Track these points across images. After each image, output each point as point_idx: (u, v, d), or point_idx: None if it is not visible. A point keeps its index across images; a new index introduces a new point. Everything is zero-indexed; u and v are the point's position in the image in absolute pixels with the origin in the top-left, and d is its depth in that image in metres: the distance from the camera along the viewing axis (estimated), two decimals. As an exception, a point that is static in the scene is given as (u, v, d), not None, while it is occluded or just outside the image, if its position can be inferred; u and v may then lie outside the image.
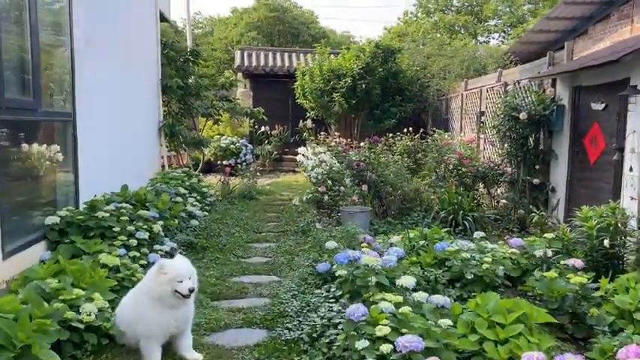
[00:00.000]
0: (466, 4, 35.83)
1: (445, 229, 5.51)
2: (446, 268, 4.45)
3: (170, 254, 4.87)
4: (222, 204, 8.96)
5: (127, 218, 5.04)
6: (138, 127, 8.02)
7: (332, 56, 13.85)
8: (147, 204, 5.82)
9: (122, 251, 4.65)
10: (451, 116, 12.66)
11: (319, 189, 7.21)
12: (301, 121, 15.50)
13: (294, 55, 16.18)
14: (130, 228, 4.96)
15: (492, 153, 9.24)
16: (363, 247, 4.94)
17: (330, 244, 4.73)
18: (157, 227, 5.23)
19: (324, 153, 9.50)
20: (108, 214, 4.91)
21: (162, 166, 9.61)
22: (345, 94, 12.89)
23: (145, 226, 5.15)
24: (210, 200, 8.35)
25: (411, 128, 11.83)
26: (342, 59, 13.40)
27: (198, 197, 7.71)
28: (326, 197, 7.82)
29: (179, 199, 6.73)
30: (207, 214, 7.62)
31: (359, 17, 59.25)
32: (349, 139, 12.38)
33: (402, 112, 13.32)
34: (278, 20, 38.94)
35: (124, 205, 5.27)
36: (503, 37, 32.52)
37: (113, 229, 4.85)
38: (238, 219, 7.84)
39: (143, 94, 8.56)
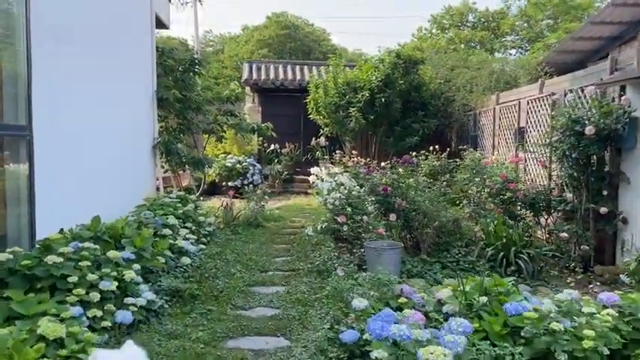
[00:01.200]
0: (482, 19, 34.86)
1: (488, 266, 4.25)
2: (523, 341, 3.16)
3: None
4: (223, 233, 7.75)
5: (88, 263, 3.82)
6: (125, 146, 6.87)
7: (347, 69, 12.73)
8: (123, 240, 4.62)
9: (77, 310, 3.44)
10: (480, 133, 11.40)
11: (338, 218, 5.95)
12: (314, 138, 14.34)
13: (305, 68, 15.10)
14: (92, 277, 3.74)
15: (538, 175, 7.94)
16: (400, 302, 3.69)
17: (358, 302, 3.46)
18: (130, 274, 4.00)
19: (342, 174, 8.28)
20: (62, 259, 3.70)
21: (158, 189, 8.46)
22: (363, 108, 11.71)
23: (114, 273, 3.94)
24: (209, 230, 7.13)
25: (437, 146, 10.58)
26: (359, 71, 12.26)
27: (194, 227, 6.51)
28: (345, 227, 6.56)
29: (167, 231, 5.52)
30: (204, 247, 6.41)
31: (371, 31, 58.51)
32: (367, 159, 11.16)
33: (424, 129, 12.09)
34: (289, 38, 38.30)
35: (86, 245, 4.05)
36: (521, 53, 31.34)
37: (68, 278, 3.64)
38: (241, 253, 6.61)
39: (133, 107, 7.45)
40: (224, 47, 41.70)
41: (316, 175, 11.31)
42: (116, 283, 3.83)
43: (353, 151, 11.09)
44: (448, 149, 10.85)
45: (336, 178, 7.56)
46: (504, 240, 5.66)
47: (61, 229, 4.71)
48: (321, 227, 7.29)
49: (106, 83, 6.15)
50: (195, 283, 5.04)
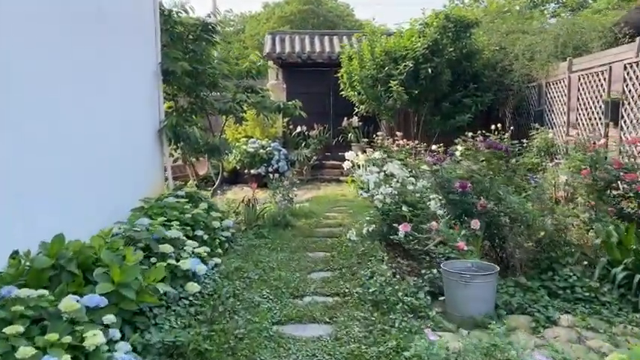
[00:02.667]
0: (520, -15, 32.30)
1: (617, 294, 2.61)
2: None
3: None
4: (245, 237, 6.25)
5: (20, 329, 2.34)
6: (119, 133, 5.38)
7: (384, 37, 10.96)
8: (97, 271, 3.14)
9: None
10: (548, 107, 9.57)
11: (402, 228, 4.32)
12: (345, 118, 12.72)
13: (335, 38, 13.36)
14: (25, 351, 2.26)
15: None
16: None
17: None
18: (95, 338, 2.50)
19: (390, 161, 6.65)
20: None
21: (166, 182, 7.01)
22: (405, 81, 9.99)
23: (69, 338, 2.45)
24: (226, 236, 5.64)
25: (496, 125, 8.83)
26: (400, 38, 10.50)
27: (207, 236, 5.01)
28: (402, 235, 4.97)
29: (167, 247, 4.03)
30: (219, 261, 4.91)
31: (396, 2, 55.24)
32: (408, 141, 9.49)
33: (477, 105, 10.30)
34: (312, 13, 36.37)
35: (23, 293, 2.57)
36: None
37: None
38: (267, 267, 5.10)
39: (130, 83, 5.95)
40: (245, 27, 40.14)
41: (352, 162, 9.71)
42: (68, 357, 2.34)
43: (397, 133, 9.40)
44: (511, 128, 9.09)
45: (384, 168, 5.94)
46: (637, 256, 3.99)
47: (14, 253, 3.27)
48: (368, 230, 5.73)
49: (86, 51, 4.64)
50: (204, 324, 3.55)
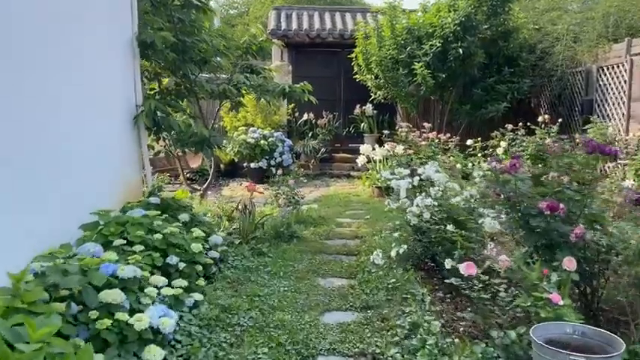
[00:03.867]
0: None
1: None
2: None
3: None
4: (239, 254, 4.92)
5: None
6: (76, 122, 4.02)
7: (407, 13, 9.49)
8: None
9: None
10: (600, 97, 8.17)
11: (465, 269, 2.89)
12: (357, 106, 11.33)
13: (348, 15, 11.89)
14: None
15: None
16: None
17: None
18: None
19: (424, 162, 5.30)
20: None
21: (145, 176, 5.68)
22: (431, 63, 8.58)
23: None
24: (214, 257, 4.31)
25: (546, 117, 7.43)
26: (425, 13, 9.06)
27: (183, 264, 3.68)
28: (449, 265, 3.63)
29: (116, 295, 2.69)
30: (199, 297, 3.58)
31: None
32: (433, 133, 8.11)
33: (514, 92, 8.89)
34: (319, -5, 34.85)
35: None
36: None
37: None
38: (265, 306, 3.78)
39: (94, 57, 4.57)
40: (249, 9, 38.56)
41: (367, 156, 8.37)
42: None
43: (424, 124, 8.01)
44: (560, 121, 7.69)
45: (420, 171, 4.58)
46: None
47: None
48: (397, 253, 4.39)
49: (31, 12, 3.26)
50: None
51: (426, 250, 4.42)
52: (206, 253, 4.24)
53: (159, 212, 3.98)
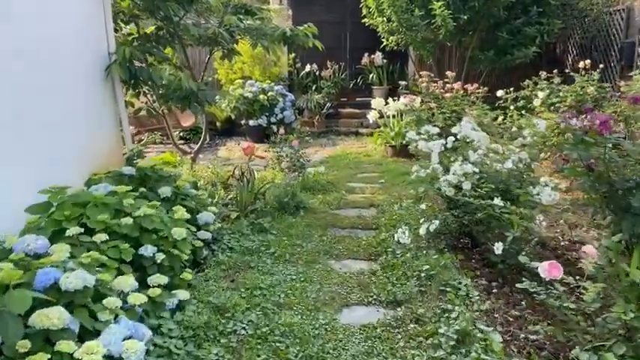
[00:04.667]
0: None
1: None
2: None
3: None
4: (237, 231, 4.14)
5: None
6: (31, 75, 3.13)
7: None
8: None
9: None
10: (645, 39, 7.15)
11: (547, 271, 2.10)
12: (366, 55, 10.28)
13: (354, -49, 10.62)
14: None
15: None
16: None
17: None
18: None
19: (449, 117, 4.42)
20: None
21: (123, 138, 4.84)
22: (451, 3, 7.51)
23: None
24: (205, 238, 3.53)
25: (587, 62, 6.45)
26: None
27: (163, 255, 2.88)
28: (499, 250, 2.84)
29: (53, 317, 1.91)
30: (184, 295, 2.81)
31: None
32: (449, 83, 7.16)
33: (543, 35, 7.84)
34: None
35: None
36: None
37: None
38: (268, 303, 3.02)
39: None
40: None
41: (380, 112, 7.47)
42: None
43: (448, 73, 7.02)
44: (600, 66, 6.70)
45: (456, 130, 3.72)
46: None
47: None
48: (428, 230, 3.60)
49: None
50: None
51: (462, 225, 3.61)
52: (195, 235, 3.45)
53: (132, 187, 3.15)
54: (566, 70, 6.94)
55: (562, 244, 3.72)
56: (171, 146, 9.28)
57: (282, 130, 8.03)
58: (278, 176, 5.82)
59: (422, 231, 3.63)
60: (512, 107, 6.04)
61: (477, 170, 3.40)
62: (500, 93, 6.24)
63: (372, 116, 7.47)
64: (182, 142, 9.60)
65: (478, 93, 6.52)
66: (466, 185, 3.32)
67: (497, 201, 3.12)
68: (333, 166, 7.05)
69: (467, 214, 3.41)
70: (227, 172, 5.62)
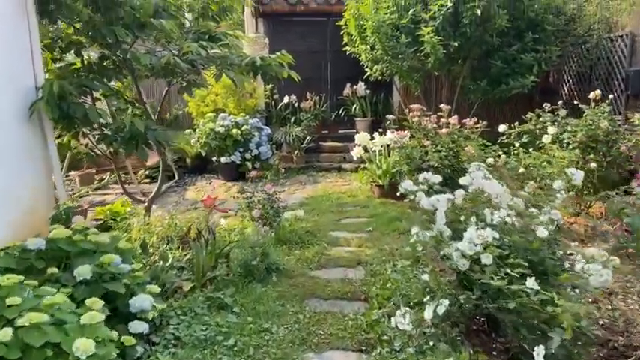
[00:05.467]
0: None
1: None
2: None
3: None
4: (188, 309, 3.23)
5: None
6: None
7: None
8: None
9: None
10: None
11: None
12: (348, 85, 9.61)
13: (334, -23, 10.05)
14: None
15: None
16: None
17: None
18: None
19: (445, 157, 3.65)
20: None
21: (56, 188, 3.96)
22: (440, 29, 6.88)
23: None
24: (140, 332, 2.62)
25: (597, 92, 5.77)
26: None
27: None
28: (540, 356, 2.01)
29: None
30: None
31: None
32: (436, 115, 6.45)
33: (541, 64, 7.22)
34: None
35: None
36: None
37: None
38: None
39: None
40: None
41: (364, 147, 6.73)
42: None
43: (442, 106, 6.29)
44: (610, 98, 6.06)
45: (466, 181, 2.92)
46: None
47: None
48: (435, 313, 2.75)
49: None
50: None
51: (480, 307, 2.78)
52: (127, 329, 2.54)
53: (40, 267, 2.24)
54: (560, 102, 6.30)
55: (624, 342, 2.86)
56: (135, 185, 8.39)
57: (257, 166, 7.22)
58: (248, 227, 4.94)
59: (427, 314, 2.78)
60: (516, 144, 5.31)
61: (497, 236, 2.59)
62: (502, 128, 5.51)
63: (356, 153, 6.70)
64: (147, 181, 8.71)
65: (477, 129, 5.79)
66: (486, 259, 2.50)
67: (532, 283, 2.30)
68: (314, 209, 6.22)
69: (488, 297, 2.57)
70: (188, 221, 4.72)
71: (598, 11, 7.29)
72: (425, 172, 3.27)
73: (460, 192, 2.90)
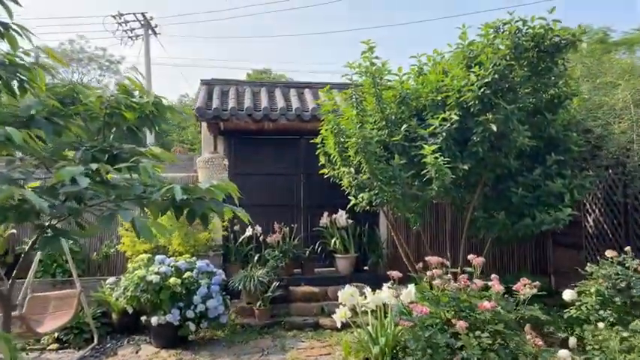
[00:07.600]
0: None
1: None
2: None
3: None
4: None
5: None
6: None
7: (393, 80, 6.28)
8: None
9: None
10: None
11: None
12: (325, 214, 7.84)
13: (307, 92, 8.73)
14: None
15: None
16: None
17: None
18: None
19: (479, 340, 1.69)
20: None
21: None
22: (445, 147, 5.30)
23: None
24: None
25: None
26: (425, 76, 5.94)
27: None
28: None
29: None
30: None
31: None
32: (444, 262, 4.55)
33: (573, 192, 5.60)
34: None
35: None
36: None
37: None
38: None
39: None
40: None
41: (352, 306, 4.71)
42: None
43: (476, 261, 4.41)
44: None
45: None
46: None
47: None
48: None
49: None
50: None
51: None
52: None
53: None
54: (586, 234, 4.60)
55: None
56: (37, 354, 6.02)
57: (204, 326, 5.07)
58: None
59: None
60: (599, 323, 3.38)
61: None
62: (569, 295, 3.63)
63: (339, 317, 4.64)
64: (57, 346, 6.35)
65: (528, 292, 3.88)
66: None
67: None
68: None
69: None
70: None
71: (618, 133, 5.92)
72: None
73: None
